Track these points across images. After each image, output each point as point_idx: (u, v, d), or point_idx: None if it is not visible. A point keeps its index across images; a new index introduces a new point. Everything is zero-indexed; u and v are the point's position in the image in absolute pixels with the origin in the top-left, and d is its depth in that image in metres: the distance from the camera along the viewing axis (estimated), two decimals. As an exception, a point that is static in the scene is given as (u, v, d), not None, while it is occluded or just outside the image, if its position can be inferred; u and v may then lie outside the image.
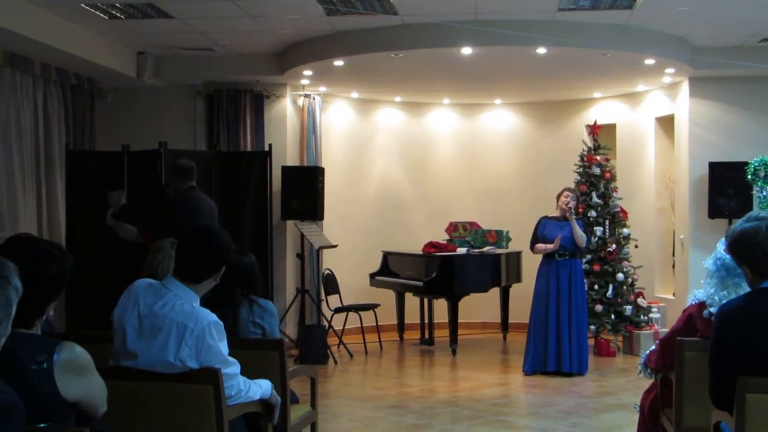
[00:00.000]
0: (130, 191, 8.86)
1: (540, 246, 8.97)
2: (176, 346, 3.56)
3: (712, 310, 4.11)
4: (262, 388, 3.98)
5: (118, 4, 7.72)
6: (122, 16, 8.11)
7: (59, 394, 2.74)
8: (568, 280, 8.84)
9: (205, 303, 3.78)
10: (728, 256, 3.94)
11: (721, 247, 4.16)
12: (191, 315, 3.61)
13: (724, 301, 3.81)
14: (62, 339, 2.88)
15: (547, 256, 8.93)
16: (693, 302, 4.37)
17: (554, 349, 8.80)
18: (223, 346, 3.70)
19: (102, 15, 8.03)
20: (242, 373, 3.84)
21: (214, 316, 3.65)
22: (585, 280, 9.32)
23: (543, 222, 9.06)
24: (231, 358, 3.76)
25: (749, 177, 9.37)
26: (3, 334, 2.15)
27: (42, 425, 2.70)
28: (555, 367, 8.78)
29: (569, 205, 8.85)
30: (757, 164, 9.32)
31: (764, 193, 9.37)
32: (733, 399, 3.35)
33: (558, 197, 8.99)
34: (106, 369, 3.37)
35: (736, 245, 3.50)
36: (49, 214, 8.83)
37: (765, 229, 3.40)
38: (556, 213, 9.00)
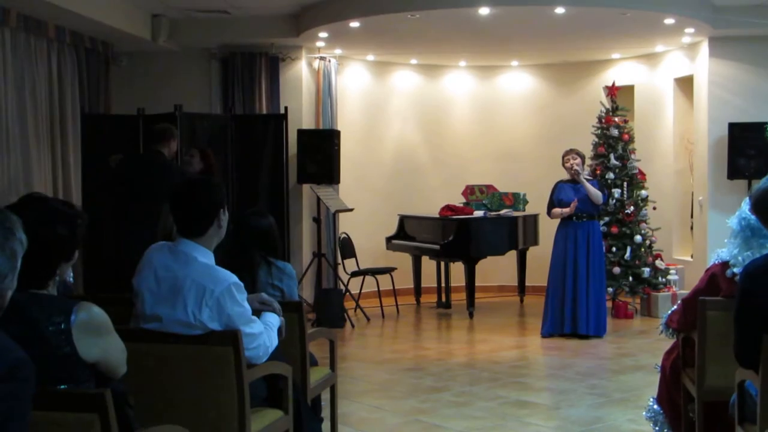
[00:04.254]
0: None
1: (557, 210, 8.92)
2: (196, 308, 3.53)
3: (736, 270, 4.06)
4: (275, 328, 3.96)
5: (131, -34, 7.66)
6: (136, -22, 8.05)
7: (78, 355, 2.72)
8: (586, 242, 8.79)
9: (223, 265, 3.75)
10: (753, 216, 3.89)
11: (745, 206, 4.09)
12: (211, 276, 3.58)
13: (749, 261, 3.76)
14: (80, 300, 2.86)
15: (565, 219, 8.88)
16: (716, 261, 4.32)
17: (571, 311, 8.77)
18: (246, 307, 3.69)
19: (116, -23, 7.96)
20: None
21: (234, 277, 3.62)
22: (603, 243, 9.28)
23: (558, 186, 9.01)
24: (254, 317, 3.74)
25: (767, 135, 9.33)
26: (9, 287, 2.10)
27: (62, 387, 2.69)
28: (571, 329, 8.76)
29: (575, 168, 8.78)
30: (774, 123, 9.31)
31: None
32: (758, 357, 3.32)
33: (563, 162, 8.92)
34: (126, 331, 3.35)
35: (761, 205, 3.45)
36: (64, 177, 8.80)
37: (788, 186, 3.36)
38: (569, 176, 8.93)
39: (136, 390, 3.35)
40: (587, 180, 8.83)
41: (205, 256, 3.66)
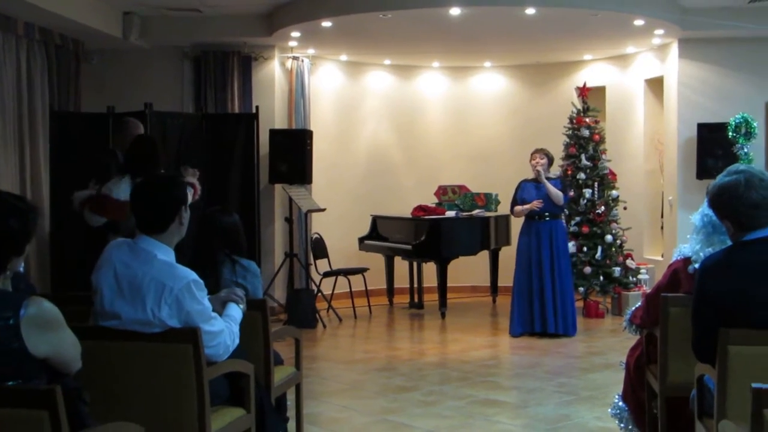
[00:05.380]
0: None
1: (518, 208, 9.00)
2: (156, 305, 3.52)
3: (697, 266, 4.08)
4: (237, 321, 3.94)
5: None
6: (106, -25, 7.99)
7: (27, 350, 2.69)
8: (549, 241, 8.83)
9: (186, 263, 3.73)
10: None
11: (707, 203, 4.12)
12: (170, 273, 3.56)
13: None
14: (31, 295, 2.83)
15: (528, 218, 8.93)
16: (678, 258, 4.34)
17: (539, 310, 8.81)
18: (206, 304, 3.67)
19: (85, -26, 7.91)
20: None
21: (193, 274, 3.61)
22: (569, 241, 9.36)
23: (522, 185, 9.08)
24: (214, 314, 3.72)
25: (730, 135, 9.45)
26: None
27: (11, 383, 2.66)
28: (541, 328, 8.79)
29: (537, 168, 8.82)
30: (737, 121, 9.42)
31: (745, 150, 9.41)
32: (715, 351, 3.34)
33: (530, 160, 8.96)
34: (83, 329, 3.33)
35: (717, 199, 3.47)
36: (32, 176, 8.72)
37: (744, 181, 3.37)
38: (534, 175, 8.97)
39: (94, 388, 3.32)
40: (550, 180, 8.85)
41: (166, 254, 3.64)
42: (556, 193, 8.77)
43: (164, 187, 3.73)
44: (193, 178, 6.73)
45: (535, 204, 8.78)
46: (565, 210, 9.56)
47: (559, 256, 8.86)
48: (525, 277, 8.89)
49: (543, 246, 8.82)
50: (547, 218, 8.87)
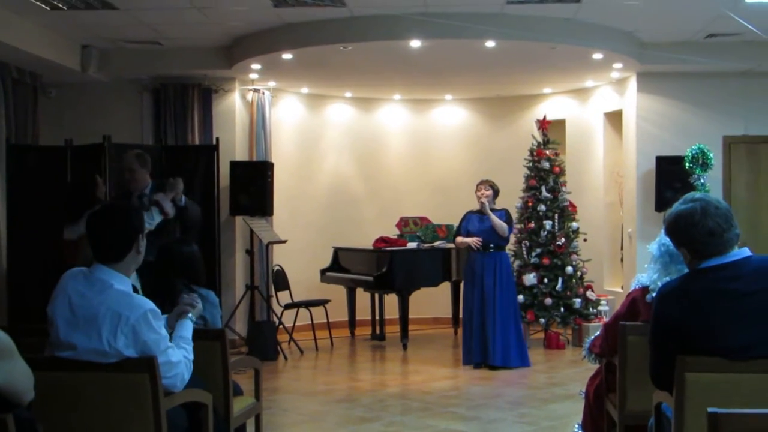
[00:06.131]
0: (74, 187, 8.75)
1: (459, 239, 9.07)
2: (111, 335, 3.47)
3: (655, 294, 4.11)
4: (190, 341, 3.89)
5: (59, -5, 7.59)
6: (64, 7, 7.96)
7: None
8: (493, 273, 8.85)
9: (145, 293, 3.69)
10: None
11: (664, 232, 4.16)
12: (126, 303, 3.52)
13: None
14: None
15: (473, 251, 8.95)
16: (636, 287, 4.38)
17: (479, 342, 8.83)
18: (163, 333, 3.63)
19: (43, 5, 7.87)
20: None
21: (150, 303, 3.57)
22: (530, 273, 9.42)
23: (467, 216, 9.13)
24: (170, 344, 3.68)
25: (687, 165, 9.59)
26: None
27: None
28: (482, 359, 8.81)
29: (481, 200, 8.86)
30: (694, 152, 9.57)
31: (702, 181, 9.55)
32: (672, 379, 3.36)
33: (475, 191, 9.02)
34: (37, 359, 3.28)
35: (673, 227, 3.50)
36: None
37: (700, 210, 3.40)
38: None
39: (49, 419, 3.27)
40: (495, 211, 8.89)
41: (122, 283, 3.61)
42: (501, 225, 8.80)
43: (120, 217, 3.69)
44: (165, 196, 6.71)
45: (475, 241, 8.85)
46: (526, 242, 9.59)
47: (503, 288, 8.88)
48: (469, 310, 8.92)
49: (486, 278, 8.85)
50: (492, 250, 8.90)
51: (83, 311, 3.51)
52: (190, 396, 3.89)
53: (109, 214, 3.75)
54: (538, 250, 10.08)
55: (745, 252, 3.43)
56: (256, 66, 9.74)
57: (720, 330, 3.31)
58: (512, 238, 10.06)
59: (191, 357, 3.81)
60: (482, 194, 8.89)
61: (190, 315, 4.00)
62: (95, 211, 3.79)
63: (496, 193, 9.00)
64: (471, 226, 8.97)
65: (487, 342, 8.79)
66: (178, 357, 3.70)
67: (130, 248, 3.64)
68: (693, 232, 3.40)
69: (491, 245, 8.88)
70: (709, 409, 2.57)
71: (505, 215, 8.95)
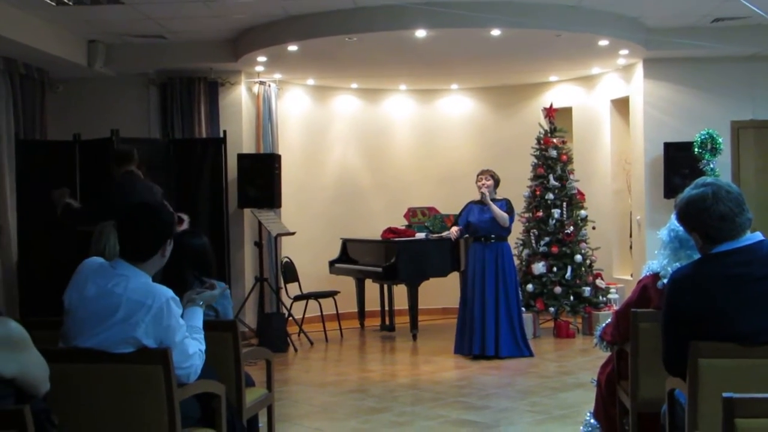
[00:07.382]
0: (82, 181, 8.77)
1: (453, 229, 9.11)
2: (131, 325, 3.48)
3: (666, 280, 4.10)
4: (200, 330, 3.90)
5: (65, -10, 7.59)
6: (70, 2, 7.95)
7: None
8: (494, 263, 8.83)
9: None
10: (681, 228, 3.93)
11: (674, 218, 4.14)
12: (148, 292, 3.53)
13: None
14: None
15: (476, 240, 8.94)
16: (647, 273, 4.36)
17: (480, 333, 8.80)
18: (182, 323, 3.64)
19: (49, 1, 7.87)
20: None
21: (171, 292, 3.59)
22: (538, 262, 9.42)
23: (468, 206, 9.09)
24: (187, 334, 3.69)
25: (696, 150, 9.56)
26: None
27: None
28: (480, 350, 8.77)
29: (482, 190, 8.83)
30: (703, 137, 9.55)
31: (711, 166, 9.53)
32: (685, 365, 3.35)
33: (476, 181, 8.99)
34: (52, 351, 3.29)
35: (684, 212, 3.48)
36: (-1, 204, 8.68)
37: (712, 194, 3.38)
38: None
39: (63, 409, 3.29)
40: (496, 201, 8.86)
41: (144, 279, 3.61)
42: (501, 215, 8.77)
43: (156, 219, 3.70)
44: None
45: (453, 233, 8.91)
46: (535, 231, 9.57)
47: (505, 279, 8.85)
48: (470, 299, 8.90)
49: (488, 268, 8.82)
50: (493, 240, 8.87)
51: (104, 301, 3.51)
52: (203, 387, 3.89)
53: (143, 214, 3.75)
54: (547, 239, 10.06)
55: (758, 236, 3.41)
56: (261, 58, 9.74)
57: (733, 315, 3.30)
58: (521, 227, 10.09)
59: (204, 347, 3.82)
60: (483, 184, 8.84)
61: (200, 302, 4.00)
62: (130, 207, 3.80)
63: (496, 182, 8.95)
64: (472, 216, 8.93)
65: (486, 333, 8.74)
66: (194, 348, 3.71)
67: (157, 251, 3.67)
68: (704, 217, 3.38)
69: (492, 236, 8.85)
70: (724, 394, 2.56)
71: (505, 205, 8.91)
